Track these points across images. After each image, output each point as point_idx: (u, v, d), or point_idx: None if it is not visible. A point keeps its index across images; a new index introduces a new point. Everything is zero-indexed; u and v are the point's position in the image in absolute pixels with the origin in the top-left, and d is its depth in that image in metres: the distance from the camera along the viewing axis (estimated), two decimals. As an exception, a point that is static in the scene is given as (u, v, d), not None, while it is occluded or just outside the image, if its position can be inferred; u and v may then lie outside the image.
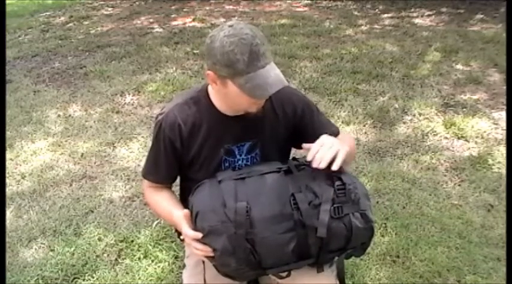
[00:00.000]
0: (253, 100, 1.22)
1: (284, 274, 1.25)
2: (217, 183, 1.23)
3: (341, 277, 1.31)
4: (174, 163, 1.40)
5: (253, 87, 1.16)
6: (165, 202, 1.41)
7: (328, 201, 1.17)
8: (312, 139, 1.43)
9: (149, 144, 1.43)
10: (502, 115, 3.44)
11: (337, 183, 1.20)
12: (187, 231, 1.20)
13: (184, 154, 1.37)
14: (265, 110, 1.37)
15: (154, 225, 2.45)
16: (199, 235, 1.18)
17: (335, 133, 1.46)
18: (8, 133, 3.44)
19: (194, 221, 1.21)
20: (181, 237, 1.49)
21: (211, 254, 1.19)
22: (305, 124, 1.42)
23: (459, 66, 4.40)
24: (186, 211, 1.24)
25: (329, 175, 1.21)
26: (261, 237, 1.15)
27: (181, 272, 1.72)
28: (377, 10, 6.63)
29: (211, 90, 1.35)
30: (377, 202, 2.58)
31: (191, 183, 1.41)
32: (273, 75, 1.17)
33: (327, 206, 1.17)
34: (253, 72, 1.14)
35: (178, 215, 1.25)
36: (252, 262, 1.17)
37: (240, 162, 1.39)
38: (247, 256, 1.16)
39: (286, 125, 1.41)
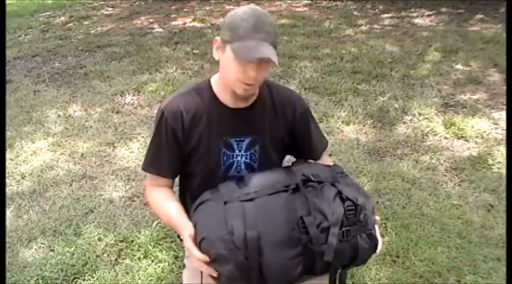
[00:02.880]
0: (243, 71, 1.21)
1: None
2: (222, 205, 1.17)
3: None
4: (176, 154, 1.37)
5: (243, 49, 1.19)
6: (164, 204, 1.38)
7: (337, 224, 1.14)
8: (304, 150, 1.46)
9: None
10: (502, 115, 3.44)
11: (347, 202, 1.17)
12: (195, 252, 1.16)
13: (185, 144, 1.36)
14: (266, 108, 1.38)
15: (154, 225, 2.45)
16: (207, 258, 1.14)
17: (324, 146, 1.52)
18: (8, 133, 3.44)
19: (199, 244, 1.16)
20: (181, 237, 1.49)
21: (216, 275, 1.16)
22: (301, 131, 1.44)
23: (459, 66, 4.40)
24: (191, 232, 1.19)
25: (339, 192, 1.18)
26: (268, 262, 1.12)
27: (181, 272, 1.72)
28: (377, 10, 6.64)
29: (214, 81, 1.37)
30: (377, 202, 2.58)
31: (191, 178, 1.40)
32: (266, 49, 1.20)
33: (336, 229, 1.13)
34: (250, 39, 1.19)
35: (184, 232, 1.21)
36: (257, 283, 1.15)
37: (239, 158, 1.39)
38: (254, 279, 1.13)
39: (285, 126, 1.41)
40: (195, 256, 1.16)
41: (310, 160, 1.44)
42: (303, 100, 1.50)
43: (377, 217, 1.27)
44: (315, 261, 1.16)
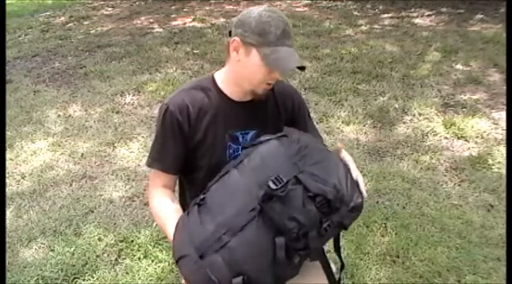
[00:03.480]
0: (270, 75, 1.26)
1: None
2: (199, 260, 1.11)
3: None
4: (182, 148, 1.37)
5: (277, 59, 1.22)
6: (165, 218, 1.34)
7: (314, 226, 1.09)
8: None
9: (149, 144, 1.42)
10: (502, 115, 3.44)
11: (318, 198, 1.09)
12: None
13: (191, 137, 1.36)
14: (268, 100, 1.40)
15: (154, 225, 2.45)
16: None
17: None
18: (8, 133, 3.44)
19: None
20: None
21: None
22: (298, 122, 1.46)
23: (459, 66, 4.40)
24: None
25: (305, 189, 1.10)
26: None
27: (181, 272, 1.72)
28: (377, 10, 6.64)
29: (218, 77, 1.38)
30: (377, 202, 2.58)
31: (194, 173, 1.40)
32: (296, 55, 1.27)
33: (314, 232, 1.09)
34: (281, 46, 1.23)
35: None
36: None
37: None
38: None
39: (286, 117, 1.45)
40: None
41: (262, 138, 1.25)
42: (299, 93, 1.55)
43: (351, 167, 1.20)
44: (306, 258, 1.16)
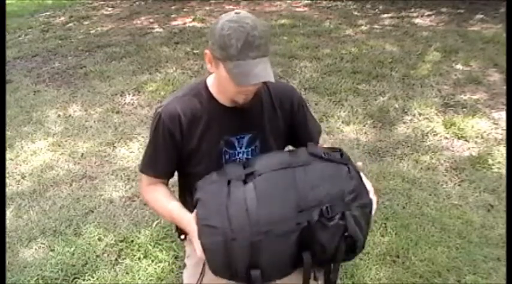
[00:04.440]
0: (238, 88, 1.24)
1: None
2: (230, 241, 1.15)
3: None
4: (174, 156, 1.39)
5: (238, 74, 1.19)
6: (164, 200, 1.40)
7: (333, 256, 1.22)
8: (303, 138, 1.46)
9: (149, 144, 1.42)
10: (502, 115, 3.44)
11: (349, 240, 1.20)
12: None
13: (184, 146, 1.37)
14: (264, 103, 1.39)
15: (154, 225, 2.45)
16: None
17: (319, 133, 1.55)
18: (8, 133, 3.44)
19: None
20: (182, 237, 1.49)
21: None
22: (299, 121, 1.46)
23: (459, 66, 4.40)
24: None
25: (345, 228, 1.19)
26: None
27: (181, 272, 1.72)
28: (377, 10, 6.63)
29: (210, 82, 1.38)
30: (377, 202, 2.58)
31: (191, 179, 1.40)
32: (261, 68, 1.19)
33: (329, 257, 1.22)
34: (243, 60, 1.17)
35: (189, 221, 1.24)
36: None
37: (240, 155, 1.40)
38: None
39: (284, 120, 1.44)
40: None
41: (323, 151, 1.30)
42: (296, 90, 1.54)
43: (359, 164, 1.34)
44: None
